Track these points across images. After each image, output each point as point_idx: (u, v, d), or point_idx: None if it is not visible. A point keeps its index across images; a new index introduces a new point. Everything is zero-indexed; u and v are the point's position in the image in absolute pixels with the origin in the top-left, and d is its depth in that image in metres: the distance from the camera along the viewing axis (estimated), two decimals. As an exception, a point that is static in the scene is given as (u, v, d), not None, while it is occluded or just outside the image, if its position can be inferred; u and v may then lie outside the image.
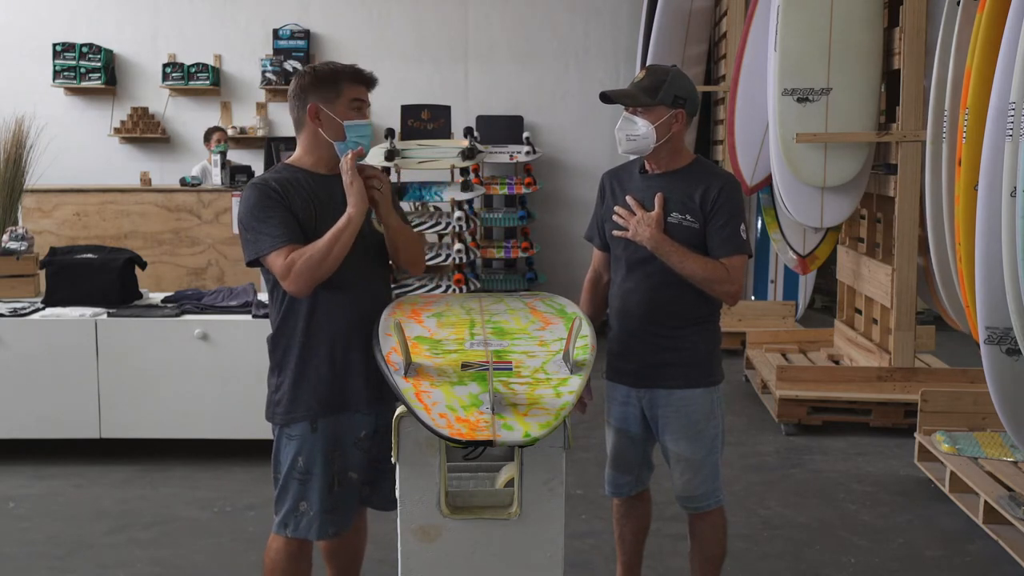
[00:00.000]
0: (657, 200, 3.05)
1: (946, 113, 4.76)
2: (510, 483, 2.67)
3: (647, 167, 3.14)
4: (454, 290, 7.72)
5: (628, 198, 3.08)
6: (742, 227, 3.06)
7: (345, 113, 2.85)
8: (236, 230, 2.94)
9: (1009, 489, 4.21)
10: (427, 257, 7.80)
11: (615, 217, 3.09)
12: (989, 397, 4.02)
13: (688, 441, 3.11)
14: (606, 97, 3.11)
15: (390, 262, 3.08)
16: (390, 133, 8.15)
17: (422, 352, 2.66)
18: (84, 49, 9.22)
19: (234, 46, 9.49)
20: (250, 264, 2.86)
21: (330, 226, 2.80)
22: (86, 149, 9.30)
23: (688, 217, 3.04)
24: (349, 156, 2.83)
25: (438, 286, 7.85)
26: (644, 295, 3.10)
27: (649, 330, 3.10)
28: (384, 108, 8.99)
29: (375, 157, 7.81)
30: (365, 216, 2.88)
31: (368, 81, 2.91)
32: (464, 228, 7.86)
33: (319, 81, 2.86)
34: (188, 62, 9.35)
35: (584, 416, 3.25)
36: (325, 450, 2.85)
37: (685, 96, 3.05)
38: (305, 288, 2.77)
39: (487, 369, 2.54)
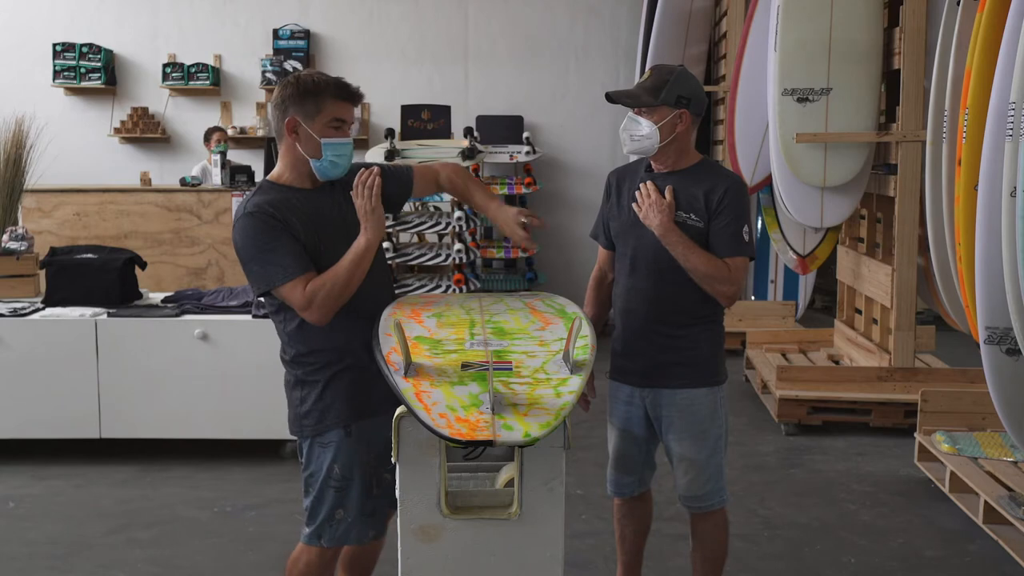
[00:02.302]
0: (668, 192, 3.05)
1: (946, 113, 4.76)
2: (510, 483, 2.67)
3: (653, 166, 3.14)
4: (454, 290, 7.72)
5: (648, 184, 3.06)
6: (746, 229, 3.06)
7: (323, 131, 2.77)
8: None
9: (1009, 489, 4.22)
10: (427, 257, 7.82)
11: (636, 193, 3.07)
12: (989, 397, 4.02)
13: (692, 441, 3.11)
14: (610, 97, 3.12)
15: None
16: (390, 133, 8.15)
17: (422, 352, 2.66)
18: (84, 49, 9.23)
19: (234, 46, 9.49)
20: (260, 295, 2.82)
21: (330, 240, 2.77)
22: (86, 149, 9.30)
23: (693, 216, 3.04)
24: (368, 179, 2.74)
25: (438, 286, 7.85)
26: (648, 294, 3.10)
27: (653, 329, 3.10)
28: (384, 108, 9.02)
29: (375, 157, 7.82)
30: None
31: (353, 97, 2.82)
32: (464, 228, 7.85)
33: (301, 94, 2.77)
34: (188, 62, 9.35)
35: (585, 415, 3.26)
36: (361, 453, 2.84)
37: (689, 96, 3.05)
38: (327, 317, 2.73)
39: (487, 369, 2.54)
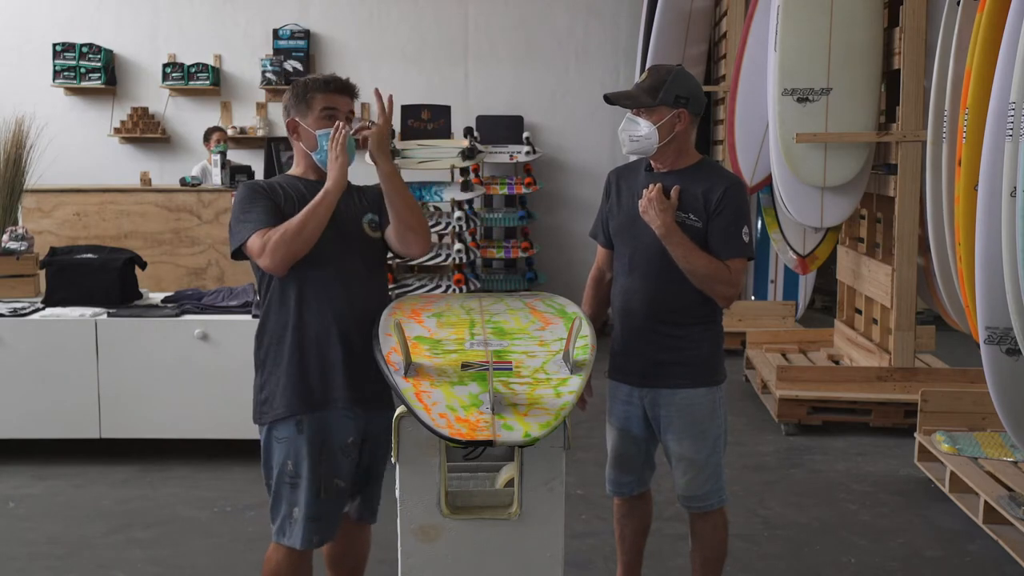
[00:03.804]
0: (673, 192, 3.04)
1: (946, 113, 4.76)
2: (510, 483, 2.67)
3: (653, 165, 3.15)
4: (454, 290, 7.72)
5: (657, 185, 3.05)
6: (745, 230, 3.06)
7: (316, 123, 2.87)
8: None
9: (1009, 489, 4.22)
10: (428, 257, 7.80)
11: (644, 191, 3.06)
12: (989, 397, 4.02)
13: (691, 441, 3.11)
14: (609, 99, 3.12)
15: (391, 254, 3.05)
16: (390, 133, 8.14)
17: (422, 352, 2.66)
18: (84, 49, 9.23)
19: (234, 46, 9.49)
20: (235, 255, 2.87)
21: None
22: (86, 149, 9.30)
23: (692, 216, 3.04)
24: (338, 132, 2.82)
25: (438, 286, 7.85)
26: (647, 293, 3.10)
27: (652, 328, 3.10)
28: (384, 108, 9.00)
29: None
30: (359, 217, 2.91)
31: (341, 88, 2.92)
32: (464, 228, 7.86)
33: (295, 97, 2.92)
34: (188, 62, 9.36)
35: (584, 416, 3.25)
36: (311, 453, 2.83)
37: (687, 96, 3.05)
38: (280, 263, 2.76)
39: (487, 369, 2.55)
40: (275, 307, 2.87)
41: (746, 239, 3.06)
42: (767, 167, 6.53)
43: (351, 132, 2.86)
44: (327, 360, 2.84)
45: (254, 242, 2.77)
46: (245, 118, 9.50)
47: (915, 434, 5.04)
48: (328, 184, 2.79)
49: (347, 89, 2.93)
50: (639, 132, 3.04)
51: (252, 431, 4.93)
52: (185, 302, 5.34)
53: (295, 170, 2.99)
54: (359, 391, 2.84)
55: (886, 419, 5.73)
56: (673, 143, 3.06)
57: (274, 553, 2.90)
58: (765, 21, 6.35)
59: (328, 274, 2.83)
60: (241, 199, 2.86)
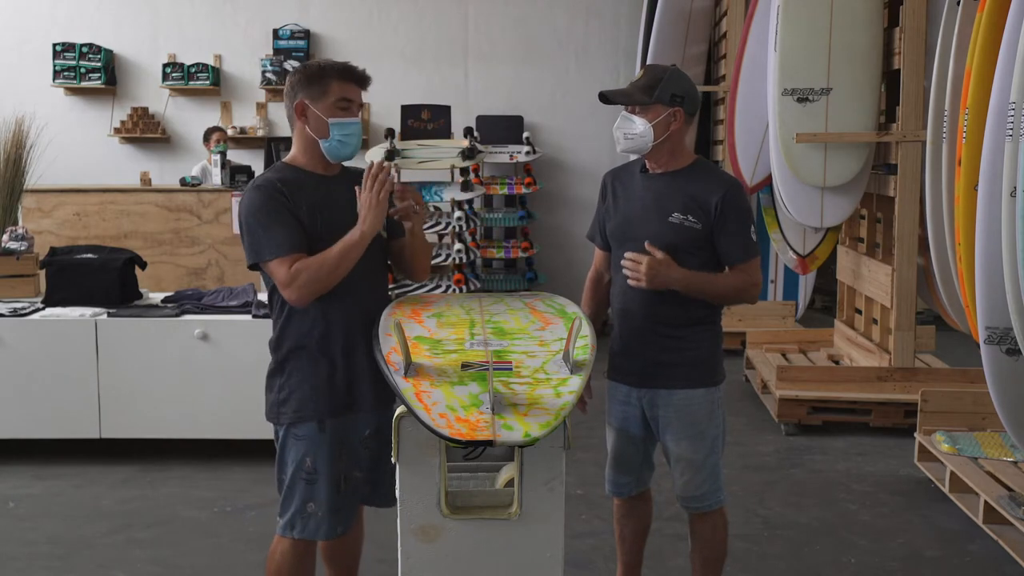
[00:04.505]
0: (649, 248, 2.98)
1: (946, 113, 4.76)
2: (510, 483, 2.67)
3: (648, 166, 3.14)
4: (454, 290, 7.72)
5: (628, 254, 3.01)
6: (752, 229, 3.08)
7: (331, 111, 2.82)
8: (237, 230, 2.95)
9: (1009, 489, 4.22)
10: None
11: (624, 271, 3.04)
12: (989, 397, 4.02)
13: (689, 441, 3.11)
14: (605, 97, 3.11)
15: (390, 263, 3.08)
16: (390, 133, 8.16)
17: (422, 352, 2.66)
18: (84, 49, 9.23)
19: (234, 46, 9.49)
20: (251, 267, 2.85)
21: (330, 226, 2.79)
22: (86, 149, 9.30)
23: (690, 218, 3.03)
24: (380, 173, 2.79)
25: (438, 286, 7.85)
26: (645, 294, 3.09)
27: (651, 329, 3.10)
28: (384, 108, 9.02)
29: (375, 157, 7.81)
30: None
31: (359, 79, 2.87)
32: (464, 228, 7.86)
33: (308, 78, 2.84)
34: (188, 62, 9.35)
35: (584, 416, 3.25)
36: (332, 450, 2.85)
37: (683, 94, 3.04)
38: (306, 300, 2.76)
39: (487, 369, 2.54)
40: (294, 311, 2.85)
41: (754, 238, 3.09)
42: (767, 167, 6.53)
43: (395, 212, 2.88)
44: (354, 365, 2.85)
45: (279, 269, 2.74)
46: (245, 118, 9.50)
47: (915, 434, 5.04)
48: (364, 227, 2.77)
49: (364, 81, 2.89)
50: (634, 130, 3.04)
51: (252, 431, 4.97)
52: (185, 302, 5.34)
53: (298, 159, 2.90)
54: (380, 392, 2.85)
55: (886, 419, 5.73)
56: (668, 142, 3.06)
57: (279, 546, 2.92)
58: (765, 21, 6.35)
59: (353, 280, 2.82)
60: (260, 206, 2.77)
